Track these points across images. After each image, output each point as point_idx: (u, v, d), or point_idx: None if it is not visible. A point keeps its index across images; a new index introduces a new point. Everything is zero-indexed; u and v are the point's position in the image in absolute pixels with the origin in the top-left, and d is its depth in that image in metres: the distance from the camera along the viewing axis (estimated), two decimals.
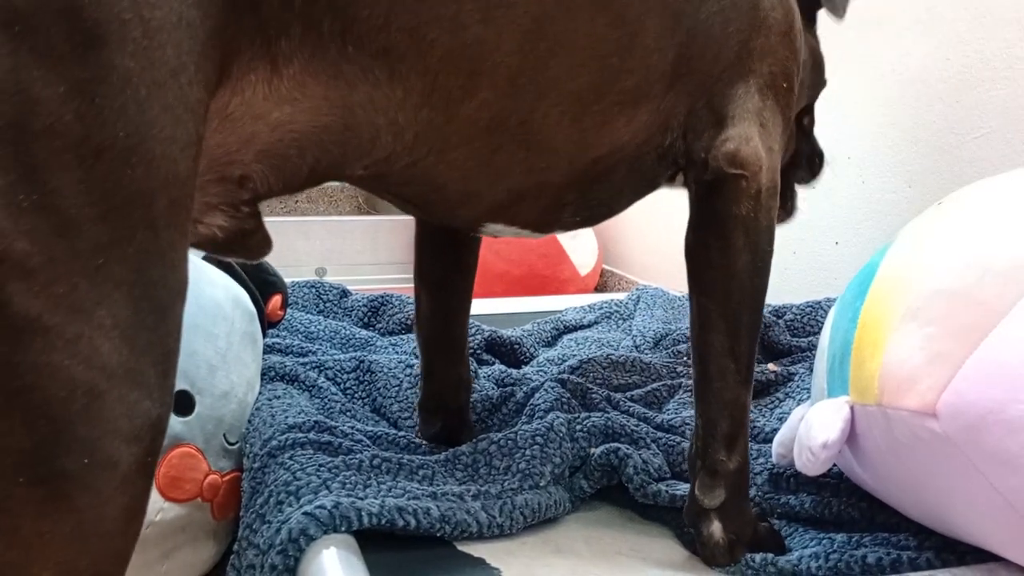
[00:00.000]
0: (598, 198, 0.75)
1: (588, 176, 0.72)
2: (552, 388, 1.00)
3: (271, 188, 0.59)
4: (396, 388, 1.08)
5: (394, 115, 0.59)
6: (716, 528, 0.74)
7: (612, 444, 0.87)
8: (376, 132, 0.59)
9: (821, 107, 1.11)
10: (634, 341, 1.38)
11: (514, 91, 0.62)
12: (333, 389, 1.09)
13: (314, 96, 0.55)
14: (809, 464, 0.74)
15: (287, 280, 1.29)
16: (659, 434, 0.93)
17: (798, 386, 1.10)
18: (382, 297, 1.48)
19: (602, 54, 0.65)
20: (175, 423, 0.91)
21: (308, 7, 0.52)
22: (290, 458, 0.83)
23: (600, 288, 2.50)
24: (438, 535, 0.75)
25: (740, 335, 0.73)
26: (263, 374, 1.09)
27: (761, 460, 0.89)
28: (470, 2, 0.57)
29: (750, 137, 0.72)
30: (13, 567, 0.42)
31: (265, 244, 0.63)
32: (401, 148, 0.61)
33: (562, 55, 0.63)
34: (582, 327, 1.51)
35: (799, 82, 0.81)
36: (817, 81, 1.04)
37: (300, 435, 0.87)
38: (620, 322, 1.53)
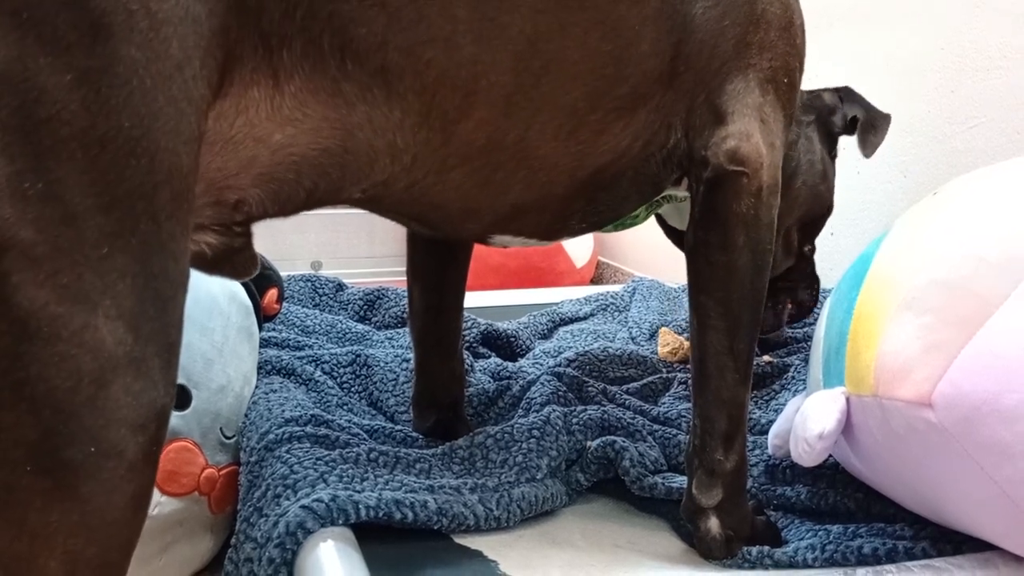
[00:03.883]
0: (605, 204, 0.75)
1: (593, 185, 0.72)
2: (548, 381, 1.00)
3: (266, 211, 0.59)
4: (392, 382, 1.08)
5: (392, 137, 0.59)
6: (713, 524, 0.75)
7: (608, 437, 0.87)
8: (375, 155, 0.60)
9: None
10: (630, 333, 1.38)
11: (509, 109, 0.63)
12: (330, 383, 1.09)
13: (315, 116, 0.56)
14: (805, 455, 0.74)
15: (283, 274, 1.29)
16: (655, 427, 0.93)
17: (794, 377, 1.10)
18: (378, 291, 1.48)
19: (596, 66, 0.65)
20: (172, 417, 0.91)
21: (308, 21, 0.53)
22: (287, 452, 0.83)
23: (596, 280, 2.50)
24: (435, 528, 0.75)
25: (739, 333, 0.73)
26: (259, 368, 1.09)
27: (757, 452, 0.89)
28: (465, 23, 0.58)
29: (751, 134, 0.72)
30: (20, 558, 0.42)
31: (252, 264, 0.64)
32: (400, 170, 0.62)
33: (555, 71, 0.63)
34: (578, 319, 1.51)
35: (800, 80, 0.81)
36: (821, 193, 1.08)
37: (297, 429, 0.88)
38: (616, 314, 1.54)
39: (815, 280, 1.19)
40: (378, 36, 0.55)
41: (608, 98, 0.67)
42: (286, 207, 0.60)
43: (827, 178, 1.11)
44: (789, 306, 1.18)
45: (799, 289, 1.17)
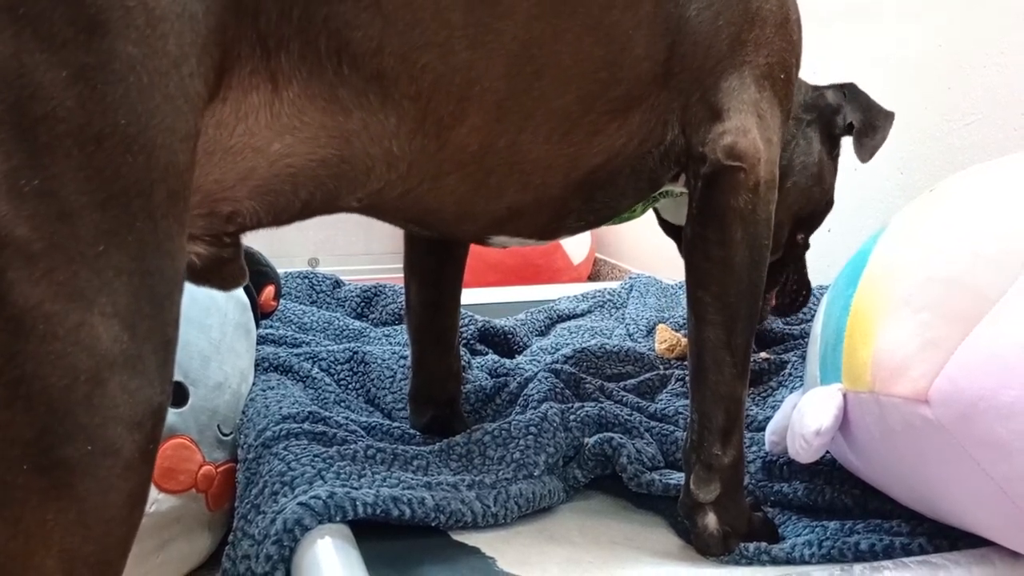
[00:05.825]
0: (602, 203, 0.76)
1: (589, 184, 0.72)
2: (546, 378, 1.00)
3: (260, 222, 0.60)
4: (390, 379, 1.08)
5: (388, 144, 0.60)
6: (711, 520, 0.75)
7: (606, 434, 0.87)
8: (371, 163, 0.60)
9: None
10: (627, 329, 1.38)
11: (501, 114, 0.63)
12: (327, 380, 1.09)
13: (312, 124, 0.56)
14: (802, 451, 0.74)
15: (280, 271, 1.29)
16: (652, 423, 0.93)
17: (791, 374, 1.10)
18: (375, 287, 1.48)
19: (590, 71, 0.65)
20: (169, 414, 0.91)
21: (305, 23, 0.53)
22: (284, 449, 0.83)
23: (593, 277, 2.50)
24: (433, 525, 0.75)
25: (737, 328, 0.73)
26: (257, 365, 1.09)
27: (754, 448, 0.89)
28: (460, 28, 0.58)
29: (748, 129, 0.72)
30: (17, 556, 0.42)
31: (240, 275, 0.64)
32: (396, 178, 0.62)
33: (548, 76, 0.64)
34: (575, 316, 1.51)
35: (797, 75, 0.81)
36: (814, 195, 1.08)
37: (294, 426, 0.88)
38: (613, 311, 1.54)
39: (805, 281, 1.18)
40: (374, 40, 0.55)
41: (601, 101, 0.67)
42: (280, 218, 0.61)
43: (822, 180, 1.09)
44: (772, 300, 1.18)
45: (784, 283, 1.16)
